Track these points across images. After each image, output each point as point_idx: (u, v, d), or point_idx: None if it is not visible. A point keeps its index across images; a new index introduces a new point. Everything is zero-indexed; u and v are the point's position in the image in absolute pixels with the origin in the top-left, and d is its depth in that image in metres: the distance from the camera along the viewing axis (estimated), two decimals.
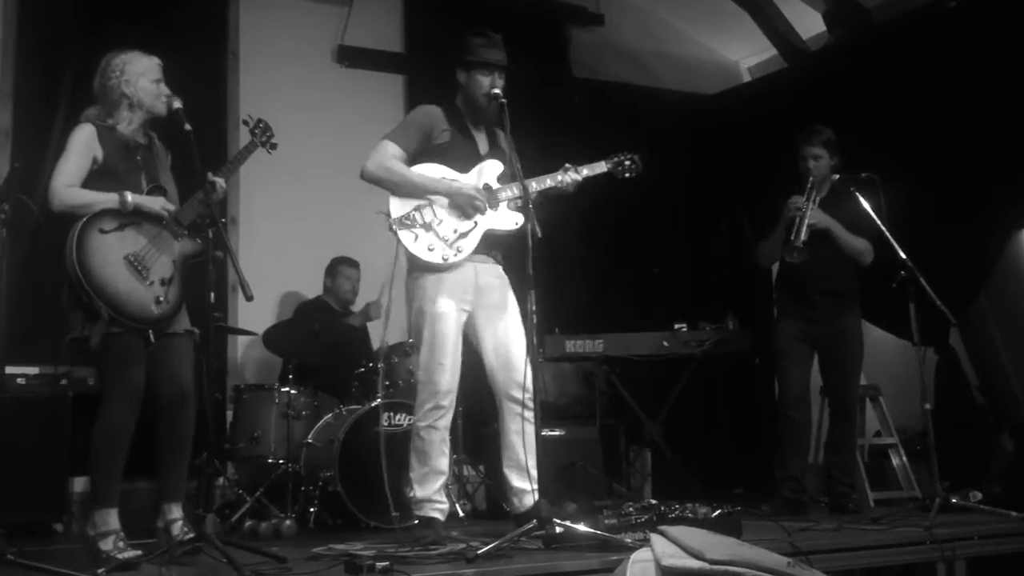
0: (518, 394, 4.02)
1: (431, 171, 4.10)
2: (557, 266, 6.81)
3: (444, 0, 7.23)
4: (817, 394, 5.57)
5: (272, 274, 6.28)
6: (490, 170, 4.16)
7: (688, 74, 8.24)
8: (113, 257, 3.65)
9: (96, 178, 3.77)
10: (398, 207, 4.05)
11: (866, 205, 4.82)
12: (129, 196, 3.73)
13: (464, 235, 4.06)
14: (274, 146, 4.29)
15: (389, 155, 4.08)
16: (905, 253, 4.68)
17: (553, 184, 4.14)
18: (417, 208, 4.04)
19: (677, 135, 7.90)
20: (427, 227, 4.03)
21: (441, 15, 7.15)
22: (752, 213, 7.30)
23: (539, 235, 3.82)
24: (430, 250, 4.01)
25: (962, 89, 5.94)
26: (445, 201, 4.06)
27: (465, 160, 4.15)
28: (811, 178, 5.07)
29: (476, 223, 4.08)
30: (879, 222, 4.78)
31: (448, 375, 4.00)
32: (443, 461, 4.04)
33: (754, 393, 6.99)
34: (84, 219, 3.64)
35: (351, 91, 6.98)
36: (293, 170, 6.37)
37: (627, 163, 4.37)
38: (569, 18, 7.88)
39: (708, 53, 8.46)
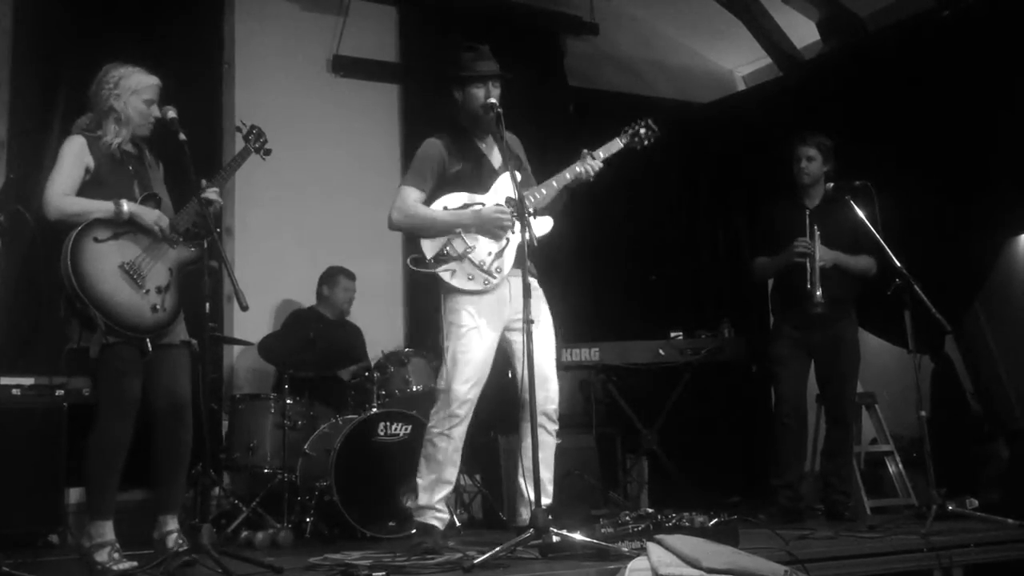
0: (547, 407, 4.05)
1: (454, 200, 4.10)
2: (553, 275, 6.80)
3: (439, 10, 7.25)
4: (813, 402, 5.57)
5: (268, 284, 6.28)
6: (508, 183, 4.10)
7: (682, 83, 8.26)
8: (108, 266, 3.65)
9: (89, 188, 3.77)
10: (430, 247, 4.06)
11: (861, 214, 4.83)
12: (125, 205, 3.73)
13: (500, 254, 4.07)
14: (268, 152, 4.27)
15: (410, 201, 4.09)
16: (900, 261, 4.69)
17: (572, 177, 4.16)
18: (448, 242, 4.04)
19: (672, 143, 7.89)
20: (462, 258, 4.04)
21: (436, 25, 7.17)
22: (747, 221, 7.30)
23: (535, 245, 3.82)
24: (470, 279, 4.03)
25: (956, 97, 5.95)
26: (474, 227, 4.06)
27: (482, 180, 4.15)
28: (815, 227, 5.03)
29: (508, 239, 4.08)
30: (874, 230, 4.79)
31: (467, 386, 3.99)
32: (452, 472, 4.03)
33: (750, 401, 6.98)
34: (78, 229, 3.64)
35: (346, 101, 6.97)
36: (288, 180, 6.38)
37: (642, 131, 4.36)
38: (564, 27, 7.89)
39: (702, 62, 8.48)
